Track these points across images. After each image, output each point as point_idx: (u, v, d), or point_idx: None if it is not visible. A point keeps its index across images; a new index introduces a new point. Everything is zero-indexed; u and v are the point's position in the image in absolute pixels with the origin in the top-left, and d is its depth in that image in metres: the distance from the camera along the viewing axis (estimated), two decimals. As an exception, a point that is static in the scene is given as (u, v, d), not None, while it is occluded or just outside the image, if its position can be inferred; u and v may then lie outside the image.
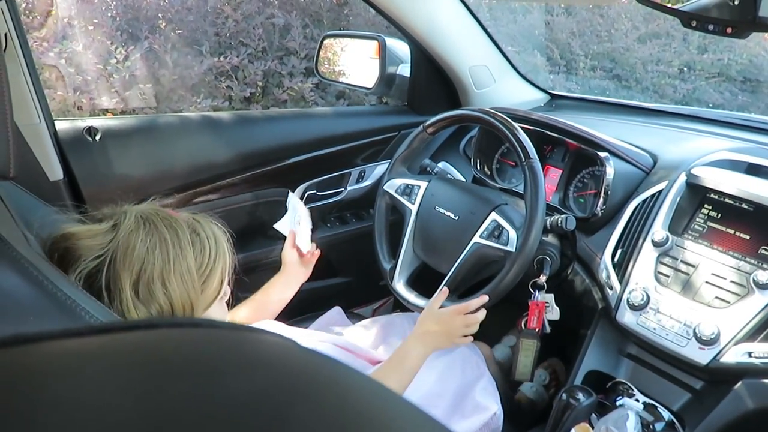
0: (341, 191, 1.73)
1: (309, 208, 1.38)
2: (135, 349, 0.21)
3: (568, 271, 1.27)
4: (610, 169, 1.23)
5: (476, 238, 1.22)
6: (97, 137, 1.37)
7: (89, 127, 1.37)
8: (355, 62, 1.84)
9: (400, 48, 1.74)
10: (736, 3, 0.74)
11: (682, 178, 1.15)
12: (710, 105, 3.97)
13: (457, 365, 1.25)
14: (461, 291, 1.27)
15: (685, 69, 4.11)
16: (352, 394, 0.21)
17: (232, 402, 0.18)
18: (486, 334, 1.46)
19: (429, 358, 1.13)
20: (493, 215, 1.22)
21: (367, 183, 1.75)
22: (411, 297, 1.31)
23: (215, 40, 3.55)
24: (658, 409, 1.05)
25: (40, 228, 0.84)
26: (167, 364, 0.20)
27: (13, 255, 0.63)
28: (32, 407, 0.17)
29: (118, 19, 3.37)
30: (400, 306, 1.43)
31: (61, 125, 1.35)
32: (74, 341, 0.21)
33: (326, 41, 1.90)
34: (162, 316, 0.76)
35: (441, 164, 1.54)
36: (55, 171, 1.31)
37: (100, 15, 3.31)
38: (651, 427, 1.02)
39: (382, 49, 1.71)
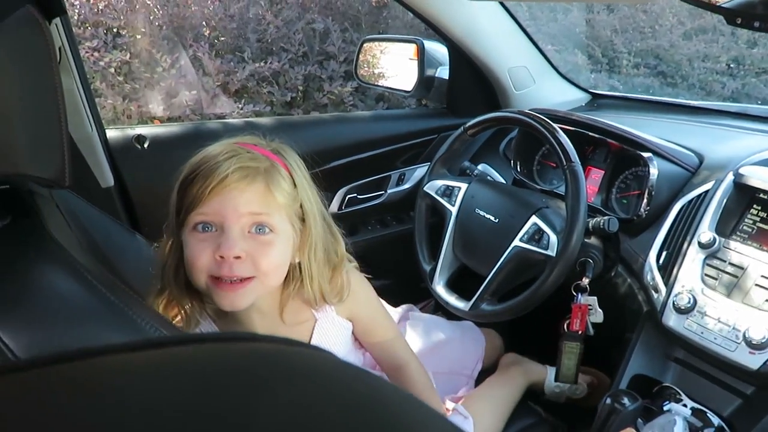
0: (382, 194, 1.74)
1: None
2: (186, 364, 0.23)
3: (612, 274, 1.25)
4: (654, 170, 1.20)
5: (516, 242, 1.22)
6: (146, 145, 1.41)
7: (138, 135, 1.41)
8: (394, 65, 1.86)
9: (439, 50, 1.75)
10: (784, -2, 0.72)
11: (729, 177, 1.11)
12: (760, 101, 3.83)
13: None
14: (501, 294, 1.27)
15: (734, 64, 3.98)
16: (392, 407, 0.22)
17: (277, 414, 0.19)
18: (526, 338, 1.45)
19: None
20: (534, 219, 1.21)
21: (407, 186, 1.75)
22: (451, 299, 1.31)
23: (257, 46, 3.61)
24: (707, 414, 1.02)
25: (94, 233, 0.87)
26: (214, 377, 0.22)
27: (69, 260, 0.65)
28: (98, 420, 0.19)
29: (164, 28, 3.47)
30: (441, 308, 1.43)
31: (112, 134, 1.40)
32: (133, 355, 0.23)
33: (365, 45, 1.92)
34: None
35: (481, 166, 1.54)
36: (106, 178, 1.36)
37: (147, 24, 3.42)
38: (699, 432, 1.00)
39: (421, 52, 1.72)
